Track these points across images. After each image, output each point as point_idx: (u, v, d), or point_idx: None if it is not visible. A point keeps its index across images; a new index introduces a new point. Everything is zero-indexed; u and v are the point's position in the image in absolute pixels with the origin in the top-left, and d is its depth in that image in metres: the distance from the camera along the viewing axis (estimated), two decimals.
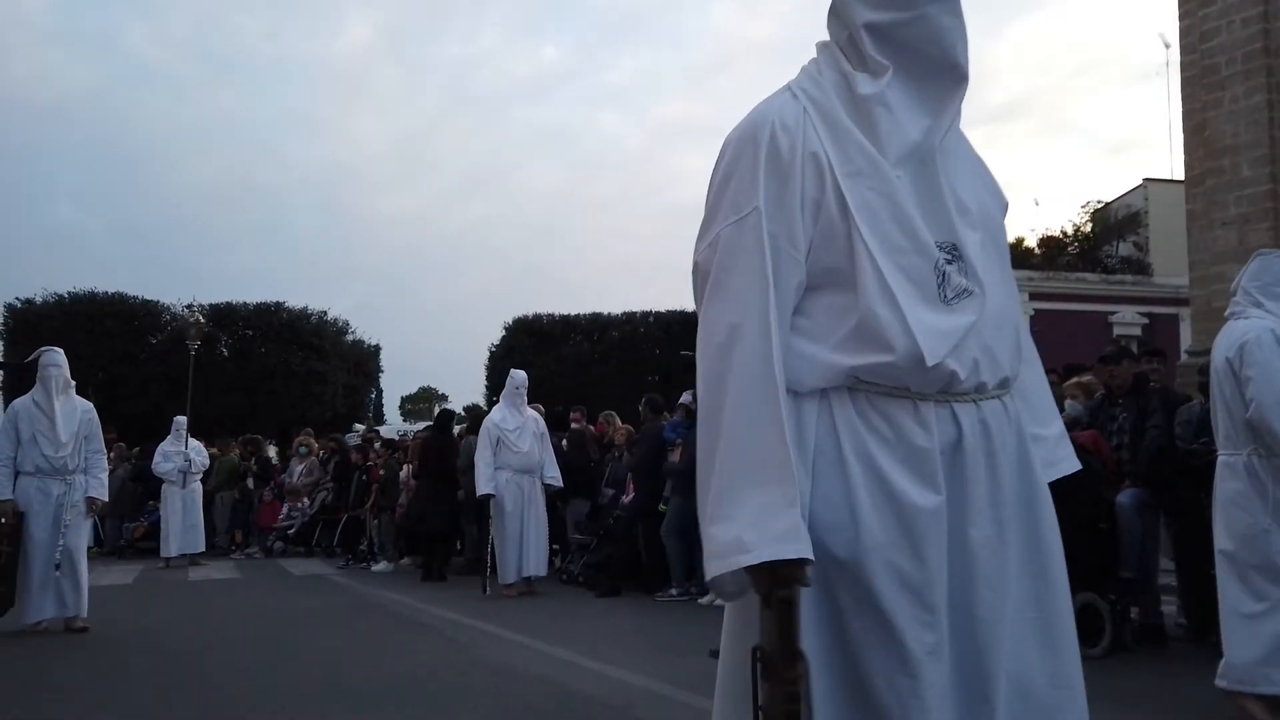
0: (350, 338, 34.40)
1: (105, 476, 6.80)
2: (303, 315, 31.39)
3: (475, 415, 10.80)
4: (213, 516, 13.49)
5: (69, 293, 25.25)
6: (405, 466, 11.47)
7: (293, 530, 13.08)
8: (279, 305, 30.83)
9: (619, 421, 10.03)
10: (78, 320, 24.43)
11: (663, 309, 34.56)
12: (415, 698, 4.46)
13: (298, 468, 14.19)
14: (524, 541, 7.82)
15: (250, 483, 14.00)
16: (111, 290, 25.99)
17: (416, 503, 9.84)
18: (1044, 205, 69.19)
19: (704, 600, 6.92)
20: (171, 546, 11.57)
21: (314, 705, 4.40)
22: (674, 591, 7.71)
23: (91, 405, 6.75)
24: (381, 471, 11.36)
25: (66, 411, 6.41)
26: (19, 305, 24.55)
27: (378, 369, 37.15)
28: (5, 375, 20.50)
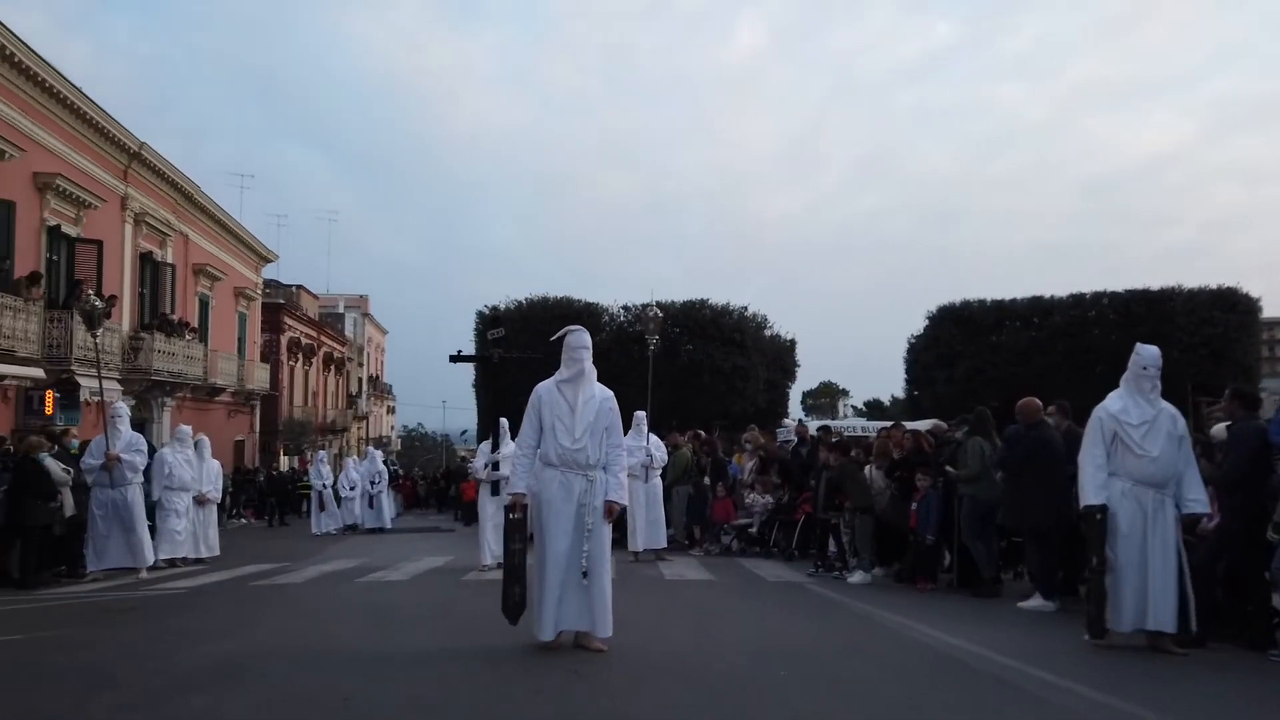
0: (769, 332, 34.23)
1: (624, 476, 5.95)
2: (724, 311, 31.72)
3: (979, 414, 9.18)
4: (670, 511, 13.35)
5: (525, 299, 27.87)
6: (869, 466, 10.30)
7: (753, 529, 12.45)
8: (703, 302, 31.43)
9: None
10: (532, 323, 26.74)
11: (1119, 288, 30.01)
12: None
13: (748, 464, 13.62)
14: (1148, 579, 5.67)
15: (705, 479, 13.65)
16: (559, 295, 28.25)
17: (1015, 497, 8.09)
18: None
19: None
20: (638, 541, 11.49)
21: None
22: None
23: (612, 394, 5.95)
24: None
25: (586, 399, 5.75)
26: (486, 311, 27.48)
27: (794, 363, 36.58)
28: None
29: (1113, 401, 6.16)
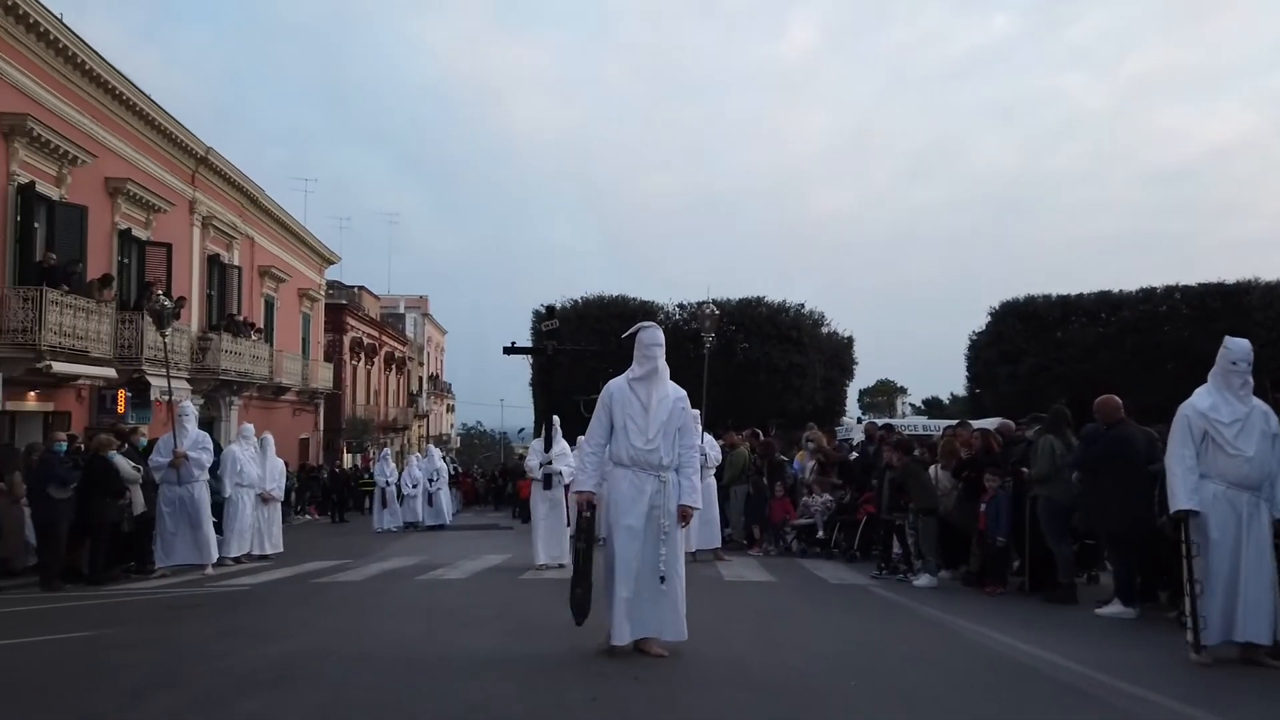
0: (826, 329, 33.79)
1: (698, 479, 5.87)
2: (781, 308, 31.40)
3: (1055, 412, 8.81)
4: (727, 511, 13.17)
5: (581, 297, 27.91)
6: (934, 466, 9.99)
7: (818, 532, 12.20)
8: (759, 299, 31.14)
9: None
10: (588, 321, 26.77)
11: (1192, 282, 28.96)
12: None
13: (808, 463, 13.36)
14: (1240, 588, 5.28)
15: (763, 478, 13.42)
16: (615, 294, 28.20)
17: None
18: None
19: None
20: (692, 540, 11.28)
21: None
22: None
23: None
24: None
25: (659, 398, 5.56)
26: (542, 310, 27.56)
27: (852, 361, 36.06)
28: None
29: (1201, 398, 5.80)
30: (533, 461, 11.28)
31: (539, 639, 5.86)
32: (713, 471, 12.11)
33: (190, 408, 11.65)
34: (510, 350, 10.80)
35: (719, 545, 11.97)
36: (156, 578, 10.58)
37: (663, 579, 5.29)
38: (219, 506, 11.68)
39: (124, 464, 10.38)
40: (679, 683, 4.80)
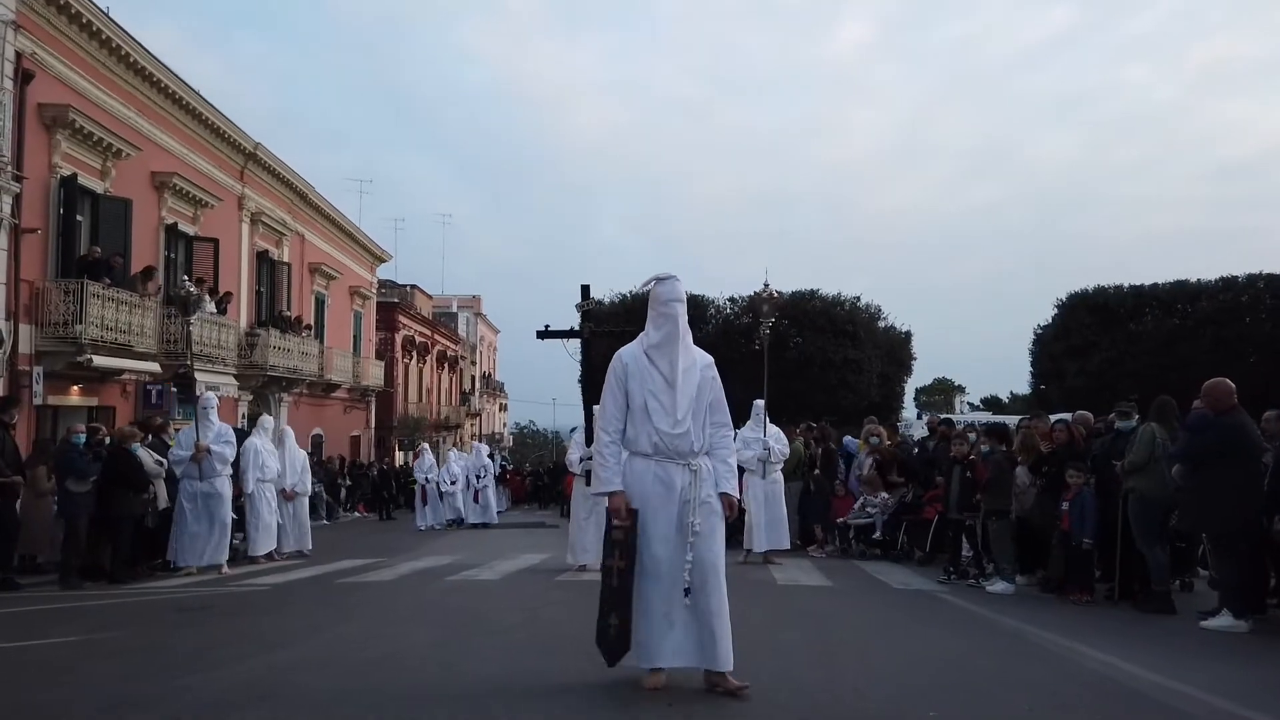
0: (882, 324, 32.68)
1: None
2: (836, 301, 30.38)
3: (1161, 403, 7.91)
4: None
5: (629, 292, 27.22)
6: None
7: (875, 533, 11.36)
8: (813, 293, 30.17)
9: None
10: (635, 316, 26.06)
11: (1276, 270, 27.24)
12: None
13: (866, 460, 12.51)
14: None
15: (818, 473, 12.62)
16: None
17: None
18: None
19: None
20: (761, 539, 10.50)
21: None
22: None
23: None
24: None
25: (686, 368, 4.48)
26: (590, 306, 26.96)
27: (910, 356, 34.85)
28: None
29: None
30: (574, 456, 10.53)
31: (563, 654, 5.15)
32: (779, 467, 11.25)
33: (213, 398, 11.03)
34: (544, 334, 10.11)
35: (787, 546, 11.15)
36: (182, 575, 10.09)
37: (687, 592, 4.18)
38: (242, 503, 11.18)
39: (147, 457, 9.97)
40: (722, 707, 4.07)
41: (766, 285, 11.79)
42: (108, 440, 10.41)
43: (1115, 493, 7.89)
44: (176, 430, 12.16)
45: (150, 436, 10.69)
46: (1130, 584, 7.94)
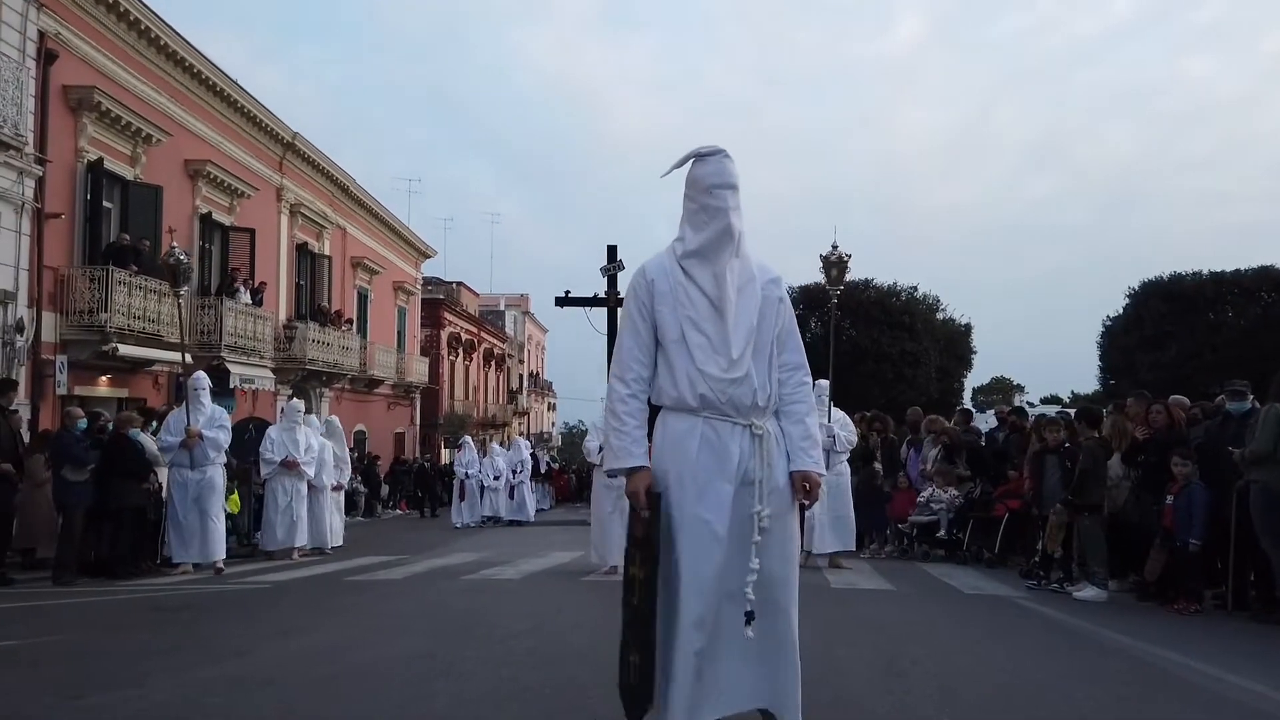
0: (941, 315, 31.36)
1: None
2: (891, 291, 29.16)
3: None
4: None
5: None
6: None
7: (940, 531, 10.27)
8: (867, 282, 28.98)
9: None
10: None
11: None
12: None
13: (930, 452, 11.41)
14: None
15: (879, 467, 11.55)
16: None
17: None
18: None
19: None
20: (825, 540, 9.33)
21: None
22: None
23: None
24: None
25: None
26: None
27: (970, 349, 33.45)
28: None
29: None
30: (592, 444, 9.17)
31: (563, 672, 4.24)
32: (844, 457, 9.86)
33: (205, 379, 10.08)
34: (564, 301, 9.18)
35: (852, 548, 9.95)
36: (179, 573, 9.30)
37: (749, 617, 2.81)
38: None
39: (149, 443, 9.29)
40: None
41: (835, 247, 10.45)
42: (110, 427, 9.75)
43: (1226, 485, 6.77)
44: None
45: (155, 423, 10.03)
46: (1244, 591, 6.82)
